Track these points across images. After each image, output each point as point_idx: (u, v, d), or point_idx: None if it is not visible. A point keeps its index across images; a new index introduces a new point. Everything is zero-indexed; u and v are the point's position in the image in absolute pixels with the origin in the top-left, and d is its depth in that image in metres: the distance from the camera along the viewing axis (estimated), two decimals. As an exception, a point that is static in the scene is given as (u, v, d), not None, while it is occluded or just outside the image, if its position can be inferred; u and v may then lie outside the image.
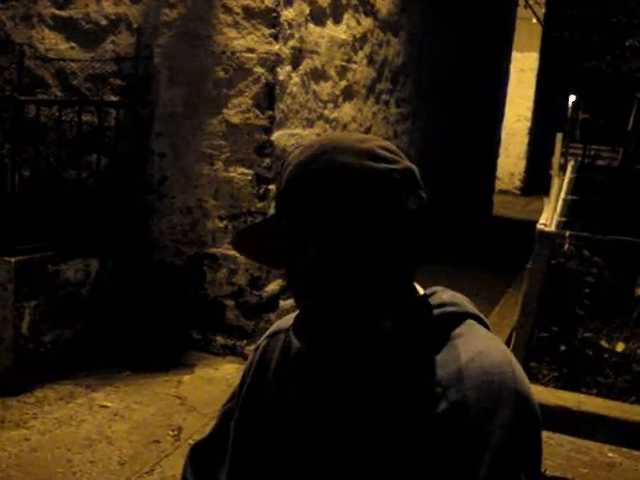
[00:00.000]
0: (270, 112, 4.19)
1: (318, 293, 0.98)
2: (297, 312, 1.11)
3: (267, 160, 4.22)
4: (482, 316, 1.04)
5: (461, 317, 1.01)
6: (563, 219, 4.11)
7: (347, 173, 0.95)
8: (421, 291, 1.05)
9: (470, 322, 1.01)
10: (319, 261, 0.95)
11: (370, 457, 0.96)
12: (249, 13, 4.16)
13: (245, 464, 1.11)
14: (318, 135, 1.03)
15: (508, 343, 3.93)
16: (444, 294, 1.05)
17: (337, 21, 4.86)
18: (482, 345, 0.97)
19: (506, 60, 11.42)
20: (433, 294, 1.04)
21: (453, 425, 0.92)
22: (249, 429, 1.11)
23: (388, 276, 0.97)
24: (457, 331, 0.99)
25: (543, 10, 13.58)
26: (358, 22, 5.20)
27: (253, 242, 1.05)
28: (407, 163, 0.99)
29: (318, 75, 4.69)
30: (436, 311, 1.01)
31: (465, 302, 1.05)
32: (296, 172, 0.99)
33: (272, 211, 4.29)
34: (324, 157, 0.97)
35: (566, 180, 4.88)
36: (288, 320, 1.15)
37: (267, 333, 1.19)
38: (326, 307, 0.98)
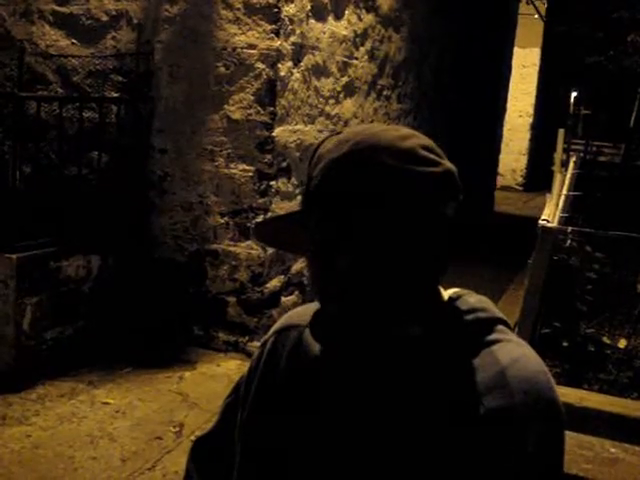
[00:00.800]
0: (271, 108, 4.18)
1: (348, 297, 0.94)
2: (309, 309, 1.09)
3: (268, 156, 4.21)
4: (508, 321, 1.03)
5: (492, 323, 1.00)
6: (565, 215, 4.10)
7: (387, 175, 0.90)
8: (444, 293, 1.02)
9: (501, 328, 1.00)
10: (352, 264, 0.92)
11: (396, 464, 0.94)
12: (250, 9, 4.15)
13: (255, 462, 1.07)
14: (343, 130, 0.97)
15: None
16: (471, 298, 1.02)
17: (338, 17, 4.85)
18: (518, 352, 0.97)
19: (508, 56, 11.41)
20: (459, 297, 1.02)
21: (490, 432, 0.91)
22: (259, 427, 1.08)
23: (419, 281, 0.95)
24: (491, 337, 0.98)
25: (545, 6, 13.56)
26: (359, 18, 5.18)
27: (276, 234, 1.02)
28: (447, 164, 0.95)
29: (319, 71, 4.68)
30: (468, 316, 0.99)
31: (492, 306, 1.03)
32: (331, 169, 0.93)
33: (274, 207, 4.28)
34: (362, 155, 0.91)
35: (568, 176, 4.86)
36: (299, 316, 1.12)
37: (275, 328, 1.15)
38: (356, 311, 0.95)
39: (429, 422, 0.93)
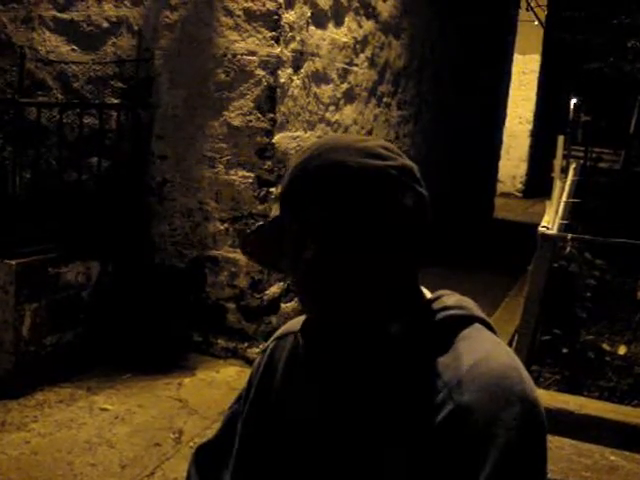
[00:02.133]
0: (271, 115, 4.19)
1: (320, 293, 0.98)
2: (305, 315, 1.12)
3: (268, 163, 4.22)
4: (489, 320, 1.04)
5: (468, 321, 1.01)
6: (565, 222, 4.10)
7: (343, 170, 0.95)
8: (428, 295, 1.05)
9: (477, 326, 1.01)
10: (318, 260, 0.95)
11: (374, 459, 0.96)
12: (250, 16, 4.16)
13: (250, 464, 1.11)
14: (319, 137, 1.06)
15: (510, 346, 3.92)
16: (450, 298, 1.04)
17: (338, 24, 4.86)
18: (488, 348, 0.97)
19: (508, 62, 11.42)
20: (439, 298, 1.04)
21: (458, 427, 0.91)
22: (255, 430, 1.12)
23: (390, 276, 0.97)
24: (463, 334, 0.98)
25: (545, 12, 13.58)
26: (359, 25, 5.20)
27: (258, 245, 1.07)
28: (404, 160, 0.99)
29: (319, 78, 4.69)
30: (441, 314, 1.00)
31: (472, 306, 1.04)
32: (294, 172, 1.00)
33: (273, 213, 4.28)
34: (321, 157, 0.98)
35: (568, 183, 4.86)
36: (297, 322, 1.15)
37: (275, 335, 1.20)
38: (329, 308, 0.98)
39: (398, 419, 0.95)
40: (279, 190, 1.05)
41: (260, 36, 4.15)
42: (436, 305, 1.01)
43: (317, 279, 0.97)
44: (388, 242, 0.95)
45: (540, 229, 3.67)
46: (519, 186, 15.03)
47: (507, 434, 0.89)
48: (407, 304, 1.00)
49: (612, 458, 2.82)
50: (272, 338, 1.20)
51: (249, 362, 4.26)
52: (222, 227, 4.34)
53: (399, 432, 0.94)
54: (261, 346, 4.29)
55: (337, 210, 0.94)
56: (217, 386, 3.98)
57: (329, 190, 0.95)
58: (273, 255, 1.06)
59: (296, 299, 4.68)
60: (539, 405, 0.94)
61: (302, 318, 1.14)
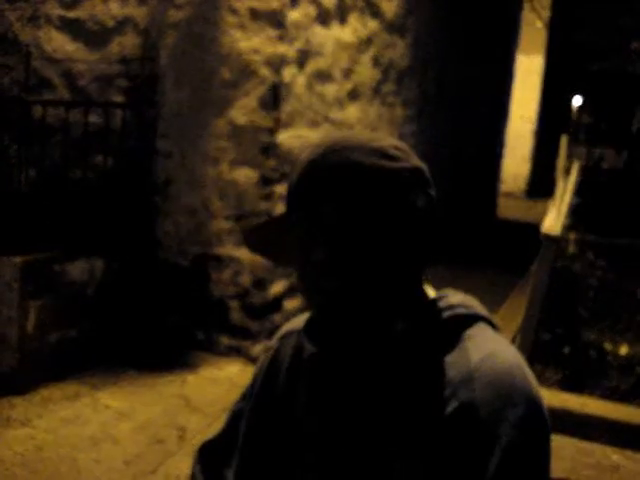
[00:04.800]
0: (275, 113, 4.20)
1: (328, 292, 0.97)
2: (308, 313, 1.12)
3: (272, 161, 4.23)
4: (492, 319, 1.05)
5: (472, 319, 1.02)
6: (568, 222, 4.11)
7: (357, 171, 0.95)
8: (433, 294, 1.05)
9: (481, 325, 1.02)
10: (328, 259, 0.95)
11: (380, 457, 0.96)
12: (255, 14, 4.17)
13: (254, 463, 1.11)
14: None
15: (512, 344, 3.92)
16: (455, 296, 1.04)
17: (343, 23, 4.87)
18: (493, 347, 0.97)
19: (511, 62, 11.42)
20: (443, 296, 1.04)
21: (463, 425, 0.92)
22: (260, 429, 1.12)
23: (399, 276, 0.97)
24: (468, 333, 0.99)
25: (548, 13, 13.58)
26: (364, 24, 5.21)
27: (263, 239, 1.06)
28: (417, 161, 1.00)
29: (323, 77, 4.70)
30: (446, 313, 1.01)
31: (476, 304, 1.05)
32: (306, 169, 0.98)
33: (278, 212, 4.29)
34: (334, 155, 0.96)
35: (571, 182, 4.87)
36: (300, 321, 1.15)
37: (279, 334, 1.19)
38: (336, 307, 0.97)
39: (404, 417, 0.95)
40: (288, 185, 1.03)
41: (265, 35, 4.16)
42: (441, 304, 1.02)
43: (328, 279, 0.96)
44: (399, 243, 0.95)
45: (543, 229, 3.68)
46: (522, 186, 15.02)
47: (511, 433, 0.90)
48: (412, 302, 1.00)
49: (614, 457, 2.83)
50: (275, 337, 1.19)
51: (252, 360, 4.27)
52: (226, 225, 4.35)
53: (406, 430, 0.95)
54: (264, 344, 4.30)
55: (351, 211, 0.94)
56: (220, 384, 3.99)
57: (344, 191, 0.94)
58: (276, 250, 1.06)
59: (299, 297, 4.69)
60: (543, 404, 0.95)
61: (304, 316, 1.14)
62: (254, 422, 1.13)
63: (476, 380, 0.93)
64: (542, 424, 0.94)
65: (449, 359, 0.96)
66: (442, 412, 0.93)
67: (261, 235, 1.07)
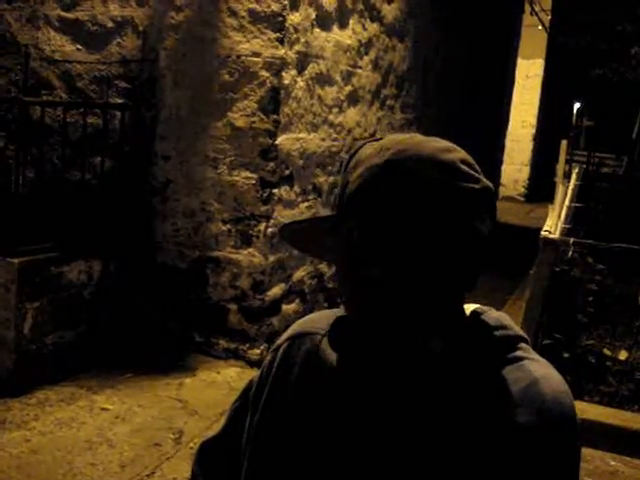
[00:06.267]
0: (275, 116, 4.19)
1: (375, 308, 0.93)
2: (324, 317, 1.08)
3: (271, 164, 4.22)
4: (527, 337, 1.03)
5: (516, 340, 1.00)
6: (567, 226, 4.10)
7: (428, 187, 0.88)
8: (465, 308, 1.01)
9: (524, 346, 1.00)
10: (383, 275, 0.90)
11: (416, 476, 0.93)
12: (255, 17, 4.16)
13: (264, 469, 1.05)
14: (378, 137, 0.92)
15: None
16: (491, 315, 1.02)
17: (343, 26, 4.87)
18: (542, 371, 0.96)
19: (511, 66, 11.43)
20: (483, 313, 1.01)
21: (510, 448, 0.91)
22: (269, 434, 1.06)
23: (446, 296, 0.94)
24: (516, 354, 0.97)
25: (549, 17, 13.59)
26: (364, 27, 5.20)
27: (303, 236, 0.99)
28: (486, 182, 0.93)
29: (323, 80, 4.69)
30: (497, 333, 0.98)
31: (513, 324, 1.03)
32: (372, 174, 0.91)
33: (276, 215, 4.28)
34: (404, 165, 0.90)
35: (570, 187, 4.87)
36: (314, 323, 1.10)
37: (288, 334, 1.12)
38: (380, 323, 0.94)
39: (451, 437, 0.92)
40: (342, 184, 0.95)
41: (264, 37, 4.16)
42: (479, 323, 1.00)
43: (377, 293, 0.92)
44: (457, 266, 0.91)
45: (542, 233, 3.67)
46: (522, 190, 15.02)
47: (557, 459, 0.92)
48: (450, 320, 0.96)
49: (612, 463, 2.82)
50: (284, 337, 1.12)
51: (250, 363, 4.26)
52: (225, 228, 4.34)
53: (449, 451, 0.92)
54: (262, 347, 4.29)
55: (415, 229, 0.88)
56: (218, 387, 3.98)
57: (411, 207, 0.88)
58: (313, 247, 1.01)
59: (297, 301, 4.68)
60: (579, 431, 0.96)
61: (318, 319, 1.10)
62: (263, 426, 1.06)
63: (526, 404, 0.92)
64: (578, 450, 0.97)
65: (494, 381, 0.94)
66: (492, 433, 0.91)
67: (301, 231, 1.00)
